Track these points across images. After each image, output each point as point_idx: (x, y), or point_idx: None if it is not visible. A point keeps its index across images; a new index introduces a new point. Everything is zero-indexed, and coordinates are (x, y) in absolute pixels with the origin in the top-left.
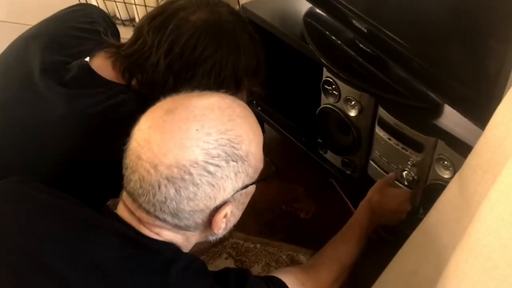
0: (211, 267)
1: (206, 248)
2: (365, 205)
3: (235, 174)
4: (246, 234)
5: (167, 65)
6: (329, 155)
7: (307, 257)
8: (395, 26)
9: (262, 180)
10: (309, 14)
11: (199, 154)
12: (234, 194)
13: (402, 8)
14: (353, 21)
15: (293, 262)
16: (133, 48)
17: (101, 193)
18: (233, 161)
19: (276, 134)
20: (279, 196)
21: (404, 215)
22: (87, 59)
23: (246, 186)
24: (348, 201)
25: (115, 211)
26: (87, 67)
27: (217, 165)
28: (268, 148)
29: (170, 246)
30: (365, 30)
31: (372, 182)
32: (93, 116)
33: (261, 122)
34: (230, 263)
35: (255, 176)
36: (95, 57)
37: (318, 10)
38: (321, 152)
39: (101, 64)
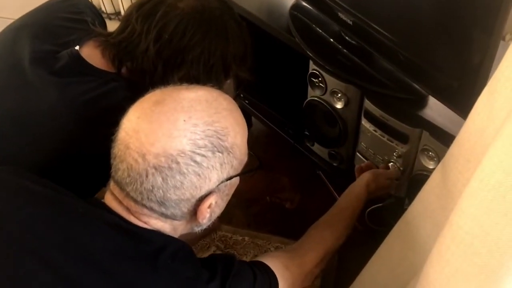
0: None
1: (195, 239)
2: (363, 191)
3: (221, 165)
4: (234, 227)
5: (156, 51)
6: (316, 147)
7: None
8: (380, 18)
9: (246, 173)
10: (295, 6)
11: (186, 144)
12: (219, 184)
13: (386, 0)
14: (339, 13)
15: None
16: (122, 36)
17: (93, 182)
18: (219, 152)
19: (264, 127)
20: (264, 187)
21: (390, 188)
22: (77, 47)
23: (230, 178)
24: (335, 193)
25: (102, 200)
26: (77, 56)
27: (203, 155)
28: (255, 141)
29: (158, 234)
30: (350, 23)
31: None
32: (84, 104)
33: (248, 115)
34: None
35: (239, 168)
36: (85, 46)
37: (304, 3)
38: (308, 144)
39: (90, 53)
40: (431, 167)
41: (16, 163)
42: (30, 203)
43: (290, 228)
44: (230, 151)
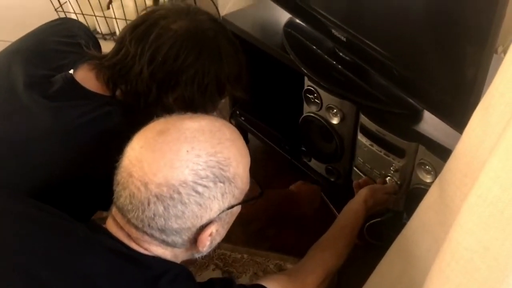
0: (198, 279)
1: (193, 259)
2: (361, 208)
3: (222, 195)
4: (233, 245)
5: (150, 73)
6: (313, 163)
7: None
8: (373, 34)
9: (247, 201)
10: (289, 24)
11: (188, 175)
12: (220, 214)
13: (379, 16)
14: (332, 30)
15: (280, 271)
16: (116, 58)
17: (88, 205)
18: (220, 182)
19: (260, 143)
20: (265, 206)
21: (388, 203)
22: (71, 71)
23: (232, 207)
24: (333, 208)
25: (103, 225)
26: (72, 80)
27: (205, 186)
28: (252, 157)
29: (159, 260)
30: (344, 39)
31: None
32: (79, 128)
33: (244, 132)
34: (217, 274)
35: (240, 197)
36: (79, 69)
37: (297, 20)
38: (305, 160)
39: (85, 76)
40: (428, 180)
41: (13, 188)
42: (27, 227)
43: (289, 244)
44: (232, 181)
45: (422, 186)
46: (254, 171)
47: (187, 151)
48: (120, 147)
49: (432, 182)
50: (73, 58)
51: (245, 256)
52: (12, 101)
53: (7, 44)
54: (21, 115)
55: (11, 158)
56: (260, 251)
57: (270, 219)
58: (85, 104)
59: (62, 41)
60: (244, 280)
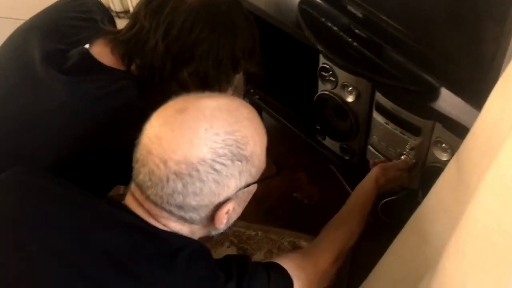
0: (214, 255)
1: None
2: (372, 186)
3: (239, 173)
4: (247, 222)
5: (165, 48)
6: (328, 141)
7: (308, 242)
8: (390, 10)
9: (263, 180)
10: (304, 1)
11: (207, 153)
12: (237, 191)
13: None
14: (348, 6)
15: (295, 248)
16: (130, 33)
17: (104, 180)
18: (238, 160)
19: (274, 121)
20: (281, 184)
21: (402, 180)
22: (87, 46)
23: (248, 185)
24: (347, 186)
25: (123, 201)
26: (88, 54)
27: (223, 164)
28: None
29: (177, 236)
30: (360, 15)
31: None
32: (95, 102)
33: (259, 110)
34: (232, 251)
35: (257, 175)
36: (94, 44)
37: None
38: (319, 138)
39: (100, 51)
40: (444, 159)
41: (29, 161)
42: (47, 202)
43: (302, 222)
44: (249, 160)
45: (438, 165)
46: (268, 149)
47: (206, 129)
48: (136, 121)
49: (448, 160)
50: (89, 33)
51: (260, 233)
52: (28, 75)
53: (21, 22)
54: (37, 89)
55: (28, 132)
56: (274, 228)
57: (281, 198)
58: (101, 79)
59: (77, 16)
60: (258, 257)
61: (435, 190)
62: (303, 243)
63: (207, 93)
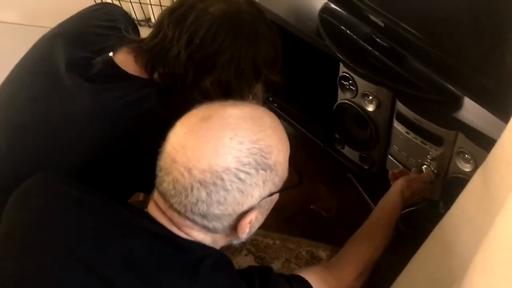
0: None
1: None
2: (397, 199)
3: (263, 182)
4: (265, 230)
5: (188, 56)
6: (347, 150)
7: (327, 252)
8: (412, 19)
9: (287, 189)
10: (325, 9)
11: (231, 161)
12: (260, 201)
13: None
14: (370, 15)
15: (313, 258)
16: (154, 42)
17: (125, 187)
18: (262, 169)
19: (292, 129)
20: (300, 194)
21: (425, 192)
22: (111, 54)
23: (271, 194)
24: (366, 196)
25: (145, 209)
26: (112, 62)
27: (247, 173)
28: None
29: (199, 245)
30: (382, 24)
31: None
32: (118, 110)
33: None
34: (250, 260)
35: (280, 184)
36: (118, 52)
37: (333, 5)
38: (338, 147)
39: (124, 59)
40: (467, 170)
41: (52, 165)
42: (71, 208)
43: (321, 231)
44: (273, 169)
45: (461, 175)
46: (290, 158)
47: (230, 138)
48: (158, 129)
49: (471, 171)
50: (113, 41)
51: (277, 242)
52: (53, 82)
53: (46, 30)
54: (62, 96)
55: (51, 138)
56: (292, 237)
57: (299, 206)
58: (124, 87)
59: (102, 24)
60: (276, 266)
61: (460, 201)
62: (321, 253)
63: (230, 102)
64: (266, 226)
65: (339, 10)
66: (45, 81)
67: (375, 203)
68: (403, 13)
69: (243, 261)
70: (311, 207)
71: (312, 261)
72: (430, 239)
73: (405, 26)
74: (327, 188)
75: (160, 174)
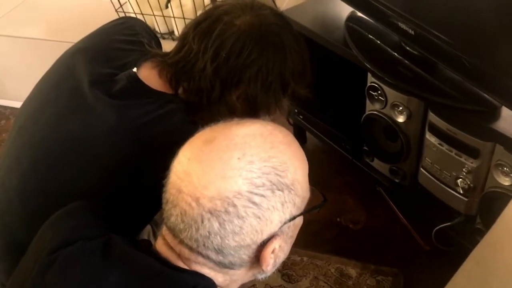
0: (259, 282)
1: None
2: None
3: (282, 204)
4: (292, 247)
5: (214, 70)
6: (376, 163)
7: (356, 270)
8: (444, 25)
9: (310, 210)
10: (351, 18)
11: (242, 184)
12: (281, 226)
13: (450, 5)
14: (399, 23)
15: (342, 276)
16: (179, 56)
17: (145, 212)
18: (278, 190)
19: (319, 142)
20: (327, 208)
21: None
22: (135, 69)
23: (294, 218)
24: (397, 210)
25: (152, 246)
26: (135, 78)
27: (262, 195)
28: (311, 157)
29: (193, 274)
30: (412, 32)
31: (423, 190)
32: (143, 127)
33: (303, 131)
34: (276, 277)
35: (302, 206)
36: (142, 67)
37: (360, 14)
38: (367, 160)
39: (148, 74)
40: (506, 183)
41: (76, 187)
42: None
43: (350, 247)
44: (291, 188)
45: (499, 189)
46: (313, 171)
47: (239, 158)
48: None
49: (511, 185)
50: (136, 56)
51: (305, 259)
52: (77, 99)
53: (70, 45)
54: (86, 113)
55: (75, 156)
56: (320, 254)
57: (327, 221)
58: (149, 103)
59: (125, 39)
60: (304, 283)
61: (503, 218)
62: (351, 270)
63: (236, 120)
64: (295, 241)
65: (366, 18)
66: (69, 97)
67: (406, 217)
68: (434, 20)
69: (269, 279)
70: (338, 219)
71: (341, 279)
72: (470, 259)
73: (436, 33)
74: (356, 201)
75: (166, 207)
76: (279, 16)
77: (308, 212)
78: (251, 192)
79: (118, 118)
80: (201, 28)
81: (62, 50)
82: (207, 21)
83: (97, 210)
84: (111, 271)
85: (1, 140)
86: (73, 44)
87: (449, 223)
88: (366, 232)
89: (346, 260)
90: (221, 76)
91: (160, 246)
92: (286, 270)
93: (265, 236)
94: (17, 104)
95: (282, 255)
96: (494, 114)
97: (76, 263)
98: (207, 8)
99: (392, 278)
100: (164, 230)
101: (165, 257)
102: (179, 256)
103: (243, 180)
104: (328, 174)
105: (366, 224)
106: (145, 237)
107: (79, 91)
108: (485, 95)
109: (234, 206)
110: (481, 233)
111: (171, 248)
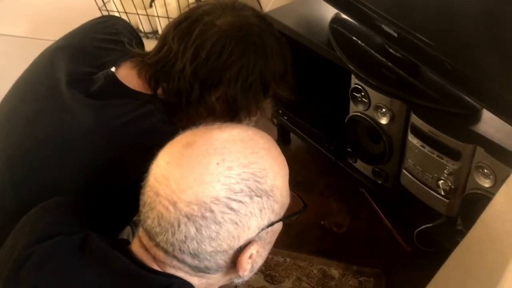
0: (244, 283)
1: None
2: None
3: (260, 211)
4: (275, 247)
5: (193, 71)
6: (359, 164)
7: (339, 270)
8: (427, 28)
9: (289, 217)
10: (336, 20)
11: (220, 190)
12: (259, 232)
13: (433, 9)
14: (382, 25)
15: (324, 277)
16: (158, 56)
17: (125, 213)
18: (257, 196)
19: (303, 143)
20: (310, 210)
21: None
22: (113, 69)
23: (272, 224)
24: (379, 211)
25: (129, 246)
26: (113, 78)
27: (240, 201)
28: (294, 158)
29: (174, 277)
30: (395, 34)
31: (405, 192)
32: (121, 127)
33: (287, 132)
34: (259, 278)
35: (281, 212)
36: (121, 67)
37: (344, 16)
38: (350, 161)
39: (127, 74)
40: (486, 185)
41: (53, 187)
42: None
43: (332, 248)
44: (270, 195)
45: (480, 191)
46: (297, 171)
47: (218, 163)
48: (162, 146)
49: (491, 187)
50: (116, 55)
51: (288, 259)
52: (54, 99)
53: (47, 43)
54: (62, 112)
55: (51, 157)
56: (303, 255)
57: (310, 222)
58: (127, 103)
59: (105, 38)
60: (287, 284)
61: (482, 220)
62: (334, 271)
63: (217, 124)
64: (276, 243)
65: (350, 20)
66: (45, 96)
67: (388, 219)
68: (417, 22)
69: (252, 280)
70: (322, 222)
71: (324, 279)
72: (450, 260)
73: (419, 35)
74: (339, 203)
75: (144, 209)
76: (261, 18)
77: (287, 218)
78: (229, 198)
79: (96, 118)
80: (181, 28)
81: (42, 48)
82: (187, 21)
83: (76, 207)
84: (87, 268)
85: None
86: (53, 42)
87: (430, 224)
88: (349, 233)
89: (328, 261)
90: (201, 77)
91: (136, 247)
92: (269, 271)
93: (242, 242)
94: None
95: (259, 261)
96: (475, 117)
97: (53, 258)
98: (187, 9)
99: (374, 279)
100: (140, 231)
101: (140, 259)
102: (154, 258)
103: (221, 186)
104: (311, 175)
105: (349, 225)
106: (125, 237)
107: (56, 90)
108: (467, 97)
109: (212, 211)
110: (462, 234)
111: (146, 250)
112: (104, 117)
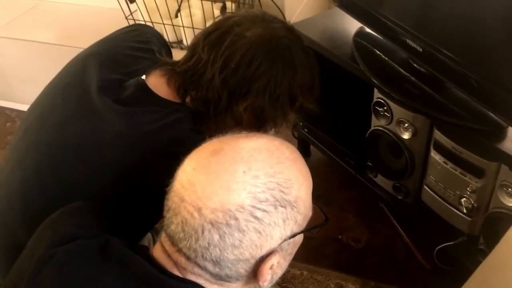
0: None
1: None
2: None
3: (284, 221)
4: (292, 260)
5: (222, 81)
6: (380, 179)
7: (356, 286)
8: (453, 44)
9: (311, 229)
10: (359, 34)
11: (246, 198)
12: (281, 243)
13: (460, 24)
14: (407, 40)
15: None
16: (188, 65)
17: (147, 219)
18: (281, 206)
19: (323, 156)
20: (329, 224)
21: None
22: (143, 77)
23: (294, 235)
24: (398, 227)
25: (150, 251)
26: (144, 85)
27: (264, 210)
28: (315, 171)
29: (195, 285)
30: (420, 50)
31: (426, 208)
32: (149, 134)
33: (307, 144)
34: None
35: (303, 224)
36: (151, 75)
37: (368, 30)
38: (371, 175)
39: (156, 82)
40: (511, 204)
41: (80, 193)
42: None
43: (350, 262)
44: (294, 206)
45: (503, 210)
46: (316, 184)
47: (244, 171)
48: (188, 154)
49: None
50: (146, 63)
51: (305, 273)
52: (84, 104)
53: (79, 50)
54: (92, 119)
55: (80, 162)
56: (320, 269)
57: (328, 236)
58: (156, 111)
59: (135, 46)
60: None
61: (507, 240)
62: (351, 286)
63: (244, 133)
64: (294, 255)
65: (374, 34)
66: (76, 103)
67: (408, 235)
68: (443, 38)
69: None
70: (340, 237)
71: None
72: (472, 280)
73: (445, 51)
74: (358, 217)
75: (168, 215)
76: (290, 30)
77: (309, 230)
78: (254, 207)
79: (125, 125)
80: (211, 38)
81: (71, 55)
82: (218, 31)
83: (98, 211)
84: (108, 272)
85: (6, 142)
86: (83, 49)
87: (451, 243)
88: (367, 248)
89: (346, 276)
90: (229, 87)
91: (157, 252)
92: (285, 283)
93: (264, 251)
94: (24, 107)
95: (279, 272)
96: (500, 134)
97: (74, 260)
98: (217, 19)
99: None
100: (163, 237)
101: (161, 264)
102: (176, 264)
103: (247, 194)
104: (331, 189)
105: (368, 240)
106: (146, 244)
107: (87, 96)
108: (492, 114)
109: (236, 219)
110: (484, 254)
111: (168, 255)
112: (133, 123)
